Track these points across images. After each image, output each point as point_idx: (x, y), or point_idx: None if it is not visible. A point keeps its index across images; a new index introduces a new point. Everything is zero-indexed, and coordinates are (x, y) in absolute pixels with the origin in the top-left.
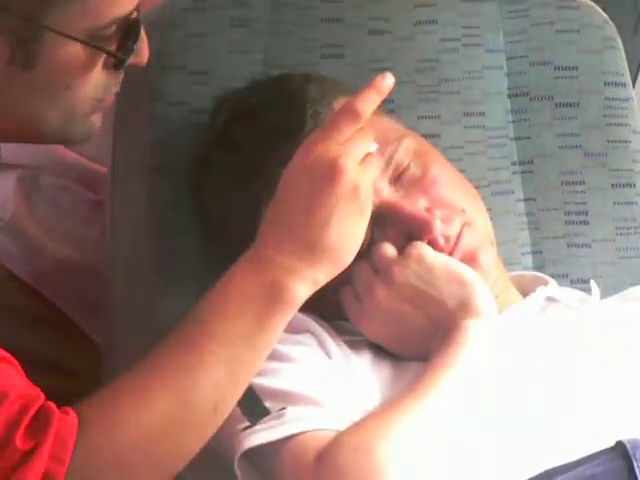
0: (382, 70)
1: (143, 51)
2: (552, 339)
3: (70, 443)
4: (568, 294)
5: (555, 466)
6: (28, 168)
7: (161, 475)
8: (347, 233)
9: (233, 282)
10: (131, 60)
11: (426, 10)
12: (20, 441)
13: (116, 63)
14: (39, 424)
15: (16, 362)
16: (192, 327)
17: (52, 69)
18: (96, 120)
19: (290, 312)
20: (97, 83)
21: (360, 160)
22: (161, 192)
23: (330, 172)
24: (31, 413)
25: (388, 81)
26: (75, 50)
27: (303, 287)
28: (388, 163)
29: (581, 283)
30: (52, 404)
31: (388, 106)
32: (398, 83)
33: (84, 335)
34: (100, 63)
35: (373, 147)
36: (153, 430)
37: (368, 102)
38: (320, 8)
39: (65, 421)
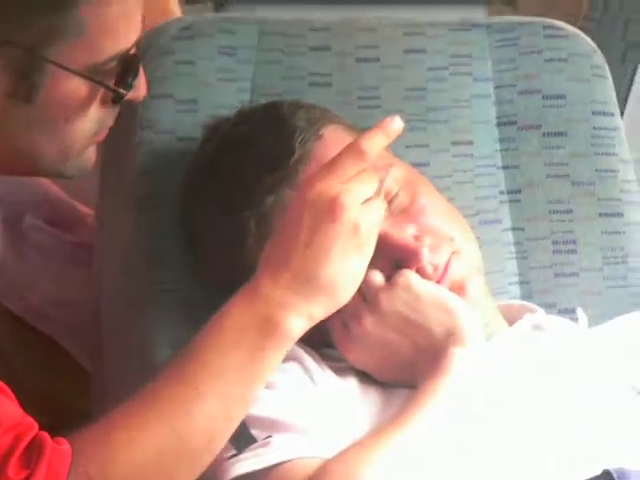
0: (370, 98)
1: (141, 86)
2: (539, 366)
3: (63, 475)
4: (555, 322)
5: None
6: (10, 202)
7: None
8: (345, 271)
9: (229, 315)
10: (129, 95)
11: (415, 38)
12: (13, 471)
13: (114, 98)
14: (32, 454)
15: (10, 392)
16: (187, 360)
17: (52, 102)
18: (91, 154)
19: (285, 346)
20: (95, 117)
21: (363, 200)
22: (149, 221)
23: (331, 209)
24: (24, 443)
25: (396, 124)
26: (75, 84)
27: (298, 321)
28: (377, 191)
29: (569, 313)
30: (45, 434)
31: None
32: (386, 111)
33: (79, 367)
34: (99, 97)
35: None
36: (146, 464)
37: (374, 142)
38: (307, 36)
39: (58, 452)
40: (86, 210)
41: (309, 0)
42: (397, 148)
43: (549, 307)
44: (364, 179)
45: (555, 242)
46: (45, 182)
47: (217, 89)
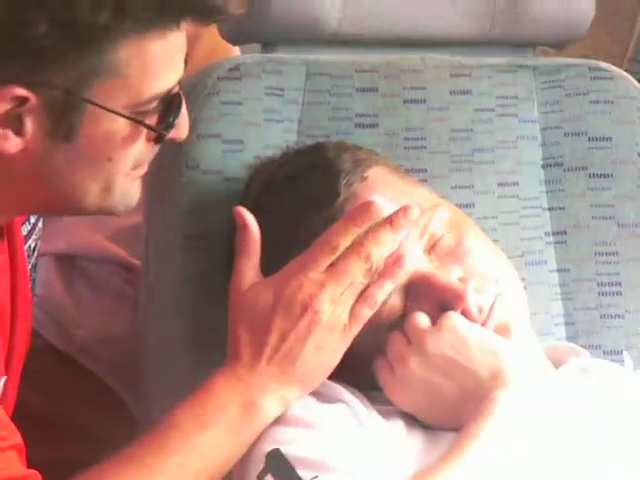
0: (416, 140)
1: (184, 126)
2: (585, 412)
3: None
4: (601, 365)
5: None
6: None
7: None
8: (321, 361)
9: (211, 393)
10: (171, 134)
11: (461, 80)
12: None
13: (156, 137)
14: None
15: (23, 450)
16: (168, 430)
17: (93, 142)
18: (136, 189)
19: (262, 427)
20: (136, 155)
21: (338, 295)
22: (195, 261)
23: (306, 312)
24: None
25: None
26: (117, 124)
27: (275, 405)
28: (422, 232)
29: (614, 354)
30: None
31: (421, 175)
32: (432, 153)
33: (120, 402)
34: (142, 137)
35: (416, 213)
36: None
37: (344, 235)
38: (354, 77)
39: None
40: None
41: (355, 42)
42: (443, 189)
43: (594, 348)
44: (339, 276)
45: (600, 284)
46: (101, 240)
47: (264, 129)
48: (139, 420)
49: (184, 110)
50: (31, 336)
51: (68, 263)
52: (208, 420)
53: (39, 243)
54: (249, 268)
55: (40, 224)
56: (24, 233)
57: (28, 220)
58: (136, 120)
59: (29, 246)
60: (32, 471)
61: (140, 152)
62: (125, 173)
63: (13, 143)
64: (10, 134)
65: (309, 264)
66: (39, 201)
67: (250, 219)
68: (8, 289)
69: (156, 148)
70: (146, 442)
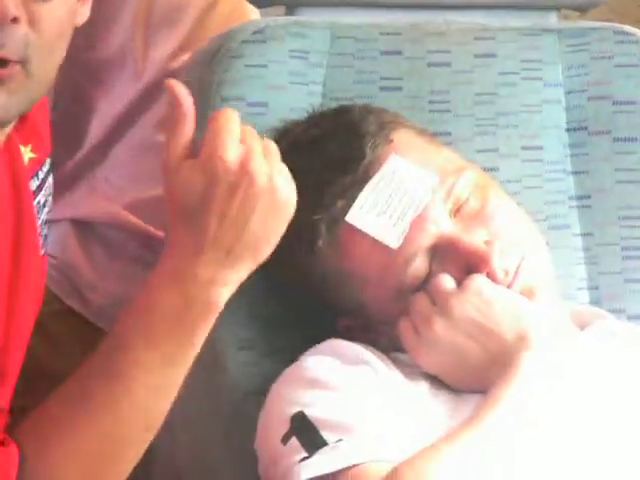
0: (440, 103)
1: None
2: (611, 374)
3: (11, 475)
4: (626, 329)
5: None
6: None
7: None
8: (267, 228)
9: (154, 301)
10: None
11: (486, 43)
12: None
13: None
14: None
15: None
16: (115, 353)
17: None
18: None
19: (213, 319)
20: None
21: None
22: None
23: (243, 178)
24: None
25: None
26: None
27: (226, 292)
28: (448, 195)
29: (638, 319)
30: None
31: (445, 139)
32: (456, 116)
33: None
34: None
35: (434, 180)
36: (83, 465)
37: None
38: (379, 40)
39: (6, 454)
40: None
41: (379, 5)
42: (467, 152)
43: (618, 313)
44: (253, 134)
45: (625, 248)
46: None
47: (288, 92)
48: None
49: None
50: (44, 295)
51: (86, 228)
52: (156, 335)
53: (49, 199)
54: (180, 146)
55: (50, 179)
56: (33, 189)
57: (37, 176)
58: None
59: (38, 202)
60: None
61: None
62: None
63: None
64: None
65: (225, 135)
66: None
67: (183, 93)
68: (9, 244)
69: None
70: (94, 369)
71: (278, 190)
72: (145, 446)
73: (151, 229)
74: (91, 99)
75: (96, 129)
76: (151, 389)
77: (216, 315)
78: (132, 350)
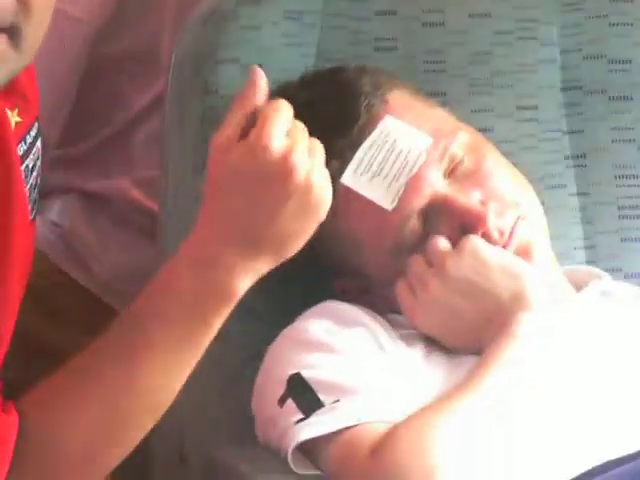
0: (435, 63)
1: None
2: (606, 334)
3: (9, 442)
4: (623, 288)
5: (611, 459)
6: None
7: (101, 471)
8: (296, 226)
9: (173, 283)
10: None
11: (481, 2)
12: None
13: None
14: None
15: None
16: (130, 331)
17: None
18: None
19: (230, 308)
20: None
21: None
22: None
23: (282, 170)
24: None
25: None
26: None
27: (246, 281)
28: (442, 156)
29: (635, 277)
30: None
31: (440, 99)
32: (451, 76)
33: None
34: None
35: (428, 141)
36: (89, 437)
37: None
38: (373, 1)
39: (5, 421)
40: None
41: None
42: (462, 113)
43: (615, 272)
44: (303, 129)
45: (621, 207)
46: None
47: (282, 54)
48: None
49: None
50: (33, 261)
51: (93, 200)
52: (172, 315)
53: (38, 163)
54: (236, 127)
55: (39, 144)
56: (20, 154)
57: (24, 140)
58: None
59: (26, 166)
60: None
61: None
62: None
63: None
64: None
65: (276, 122)
66: None
67: (259, 83)
68: None
69: None
70: (107, 347)
71: (314, 189)
72: (152, 423)
73: (154, 205)
74: (117, 89)
75: (119, 118)
76: (164, 370)
77: (233, 305)
78: (148, 330)
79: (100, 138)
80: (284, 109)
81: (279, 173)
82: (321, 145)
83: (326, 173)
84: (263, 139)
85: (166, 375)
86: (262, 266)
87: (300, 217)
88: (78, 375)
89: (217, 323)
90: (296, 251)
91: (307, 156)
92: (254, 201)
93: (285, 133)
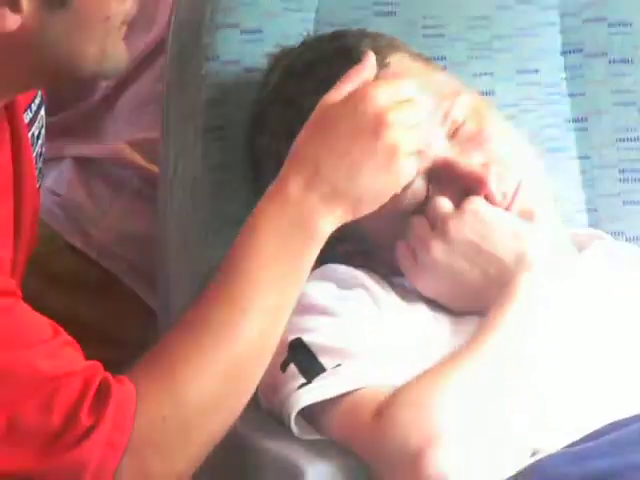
0: (435, 27)
1: None
2: (609, 294)
3: (130, 414)
4: (625, 249)
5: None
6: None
7: (221, 430)
8: (375, 184)
9: (263, 225)
10: None
11: None
12: (85, 415)
13: None
14: (100, 397)
15: (78, 346)
16: (229, 278)
17: (87, 3)
18: (124, 50)
19: (318, 249)
20: (128, 10)
21: (408, 127)
22: (214, 152)
23: (376, 124)
24: (94, 387)
25: None
26: None
27: (327, 224)
28: (444, 118)
29: (637, 240)
30: (108, 375)
31: (440, 63)
32: (451, 40)
33: (143, 305)
34: None
35: (430, 103)
36: (214, 394)
37: None
38: None
39: (123, 392)
40: None
41: None
42: (463, 77)
43: (617, 235)
44: (414, 107)
45: (622, 170)
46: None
47: (282, 18)
48: (160, 318)
49: None
50: (38, 223)
51: (89, 165)
52: (266, 257)
53: (43, 131)
54: (344, 89)
55: (42, 112)
56: (26, 121)
57: (30, 108)
58: None
59: (32, 134)
60: (92, 362)
61: (131, 5)
62: (117, 29)
63: (11, 20)
64: (7, 12)
65: (396, 86)
66: (39, 74)
67: (369, 63)
68: (10, 171)
69: None
70: (211, 297)
71: (399, 156)
72: (261, 373)
73: (154, 167)
74: None
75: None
76: (266, 311)
77: (320, 245)
78: (245, 272)
79: (87, 107)
80: (407, 85)
81: (372, 126)
82: (424, 129)
83: (415, 147)
84: (370, 90)
85: (269, 317)
86: (342, 215)
87: (380, 179)
88: (190, 328)
89: (307, 262)
90: (370, 212)
91: (404, 127)
92: (340, 151)
93: (394, 95)
